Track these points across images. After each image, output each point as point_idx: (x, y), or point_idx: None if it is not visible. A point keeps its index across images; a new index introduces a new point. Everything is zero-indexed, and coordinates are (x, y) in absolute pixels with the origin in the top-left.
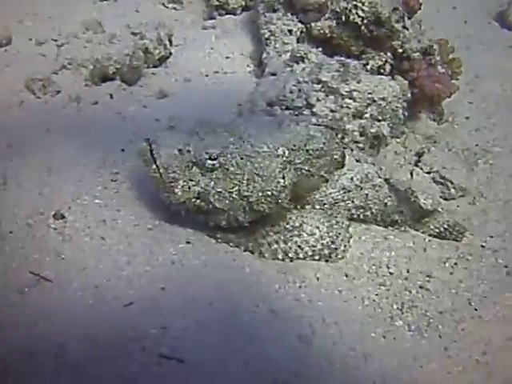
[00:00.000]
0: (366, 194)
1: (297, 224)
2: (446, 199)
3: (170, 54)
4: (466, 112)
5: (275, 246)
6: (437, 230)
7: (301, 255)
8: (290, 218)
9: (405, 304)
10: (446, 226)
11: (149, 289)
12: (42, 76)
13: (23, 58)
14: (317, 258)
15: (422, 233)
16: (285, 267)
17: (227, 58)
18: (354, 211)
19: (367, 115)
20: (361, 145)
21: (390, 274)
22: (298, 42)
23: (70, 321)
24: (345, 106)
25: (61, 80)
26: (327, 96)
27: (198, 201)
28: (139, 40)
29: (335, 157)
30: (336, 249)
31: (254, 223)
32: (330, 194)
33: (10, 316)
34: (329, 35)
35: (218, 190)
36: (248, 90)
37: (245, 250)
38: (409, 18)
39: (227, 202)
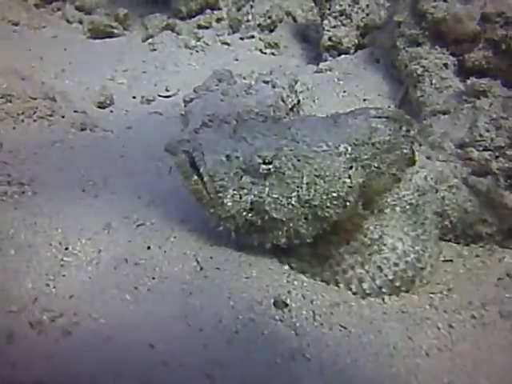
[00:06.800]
0: (443, 197)
1: (376, 236)
2: None
3: (298, 101)
4: None
5: (350, 272)
6: None
7: (377, 282)
8: (367, 229)
9: None
10: None
11: None
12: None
13: (140, 119)
14: (397, 284)
15: None
16: None
17: (365, 100)
18: None
19: None
20: None
21: None
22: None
23: None
24: None
25: None
26: None
27: (250, 214)
28: (274, 89)
29: (405, 151)
30: (422, 269)
31: (323, 240)
32: (403, 196)
33: None
34: (485, 66)
35: (274, 196)
36: None
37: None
38: None
39: (286, 210)
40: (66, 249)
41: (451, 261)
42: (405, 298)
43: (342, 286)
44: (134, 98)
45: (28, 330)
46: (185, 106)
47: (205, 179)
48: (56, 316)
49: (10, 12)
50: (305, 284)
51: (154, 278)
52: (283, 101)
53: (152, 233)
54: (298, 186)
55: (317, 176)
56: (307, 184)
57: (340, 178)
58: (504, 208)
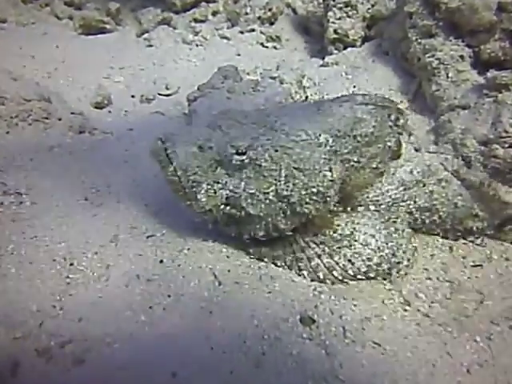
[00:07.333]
0: (431, 192)
1: (347, 232)
2: None
3: (307, 97)
4: None
5: (316, 260)
6: None
7: (350, 272)
8: (338, 225)
9: None
10: None
11: None
12: None
13: (141, 120)
14: (372, 275)
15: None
16: None
17: (375, 94)
18: (417, 215)
19: None
20: None
21: None
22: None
23: None
24: None
25: None
26: None
27: (228, 207)
28: (282, 85)
29: (389, 144)
30: (398, 263)
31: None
32: (387, 191)
33: None
34: (502, 58)
35: (251, 191)
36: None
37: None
38: None
39: (263, 206)
40: (71, 265)
41: (481, 266)
42: (436, 308)
43: (305, 272)
44: (132, 97)
45: (35, 358)
46: (189, 105)
47: (178, 173)
48: (65, 341)
49: None
50: (332, 297)
51: (169, 296)
52: (292, 97)
53: (163, 245)
54: (275, 180)
55: (295, 168)
56: (285, 177)
57: (320, 172)
58: (497, 203)
